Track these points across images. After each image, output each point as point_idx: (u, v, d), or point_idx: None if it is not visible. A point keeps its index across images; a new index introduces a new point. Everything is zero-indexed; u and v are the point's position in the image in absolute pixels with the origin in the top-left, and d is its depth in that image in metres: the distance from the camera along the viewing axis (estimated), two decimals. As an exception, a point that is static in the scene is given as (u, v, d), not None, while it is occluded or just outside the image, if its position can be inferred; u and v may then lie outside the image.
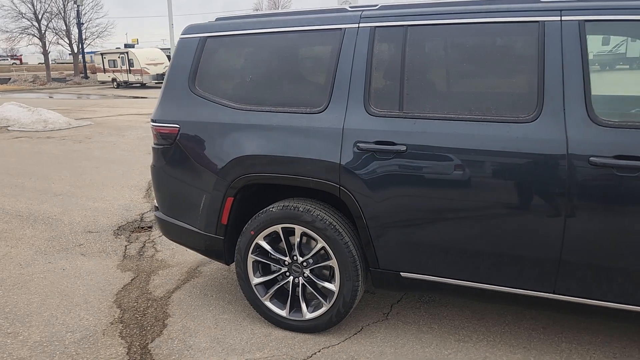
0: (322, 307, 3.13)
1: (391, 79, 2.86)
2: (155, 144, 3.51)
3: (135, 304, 3.68)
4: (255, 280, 3.27)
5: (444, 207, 2.72)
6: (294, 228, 3.09)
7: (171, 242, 4.75)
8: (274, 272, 3.25)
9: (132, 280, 4.09)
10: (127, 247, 4.83)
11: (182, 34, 3.47)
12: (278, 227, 3.12)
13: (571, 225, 2.52)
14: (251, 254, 3.23)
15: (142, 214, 5.81)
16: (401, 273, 2.94)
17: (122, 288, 3.94)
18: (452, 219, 2.71)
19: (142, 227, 5.40)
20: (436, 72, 2.88)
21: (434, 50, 2.88)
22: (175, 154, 3.38)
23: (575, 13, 2.55)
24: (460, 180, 2.67)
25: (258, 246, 3.22)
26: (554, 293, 2.66)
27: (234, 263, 3.37)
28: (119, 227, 5.41)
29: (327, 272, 3.18)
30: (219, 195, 3.23)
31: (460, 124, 2.67)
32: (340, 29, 2.99)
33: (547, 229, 2.56)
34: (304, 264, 3.14)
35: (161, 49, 37.15)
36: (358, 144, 2.85)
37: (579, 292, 2.61)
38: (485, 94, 2.73)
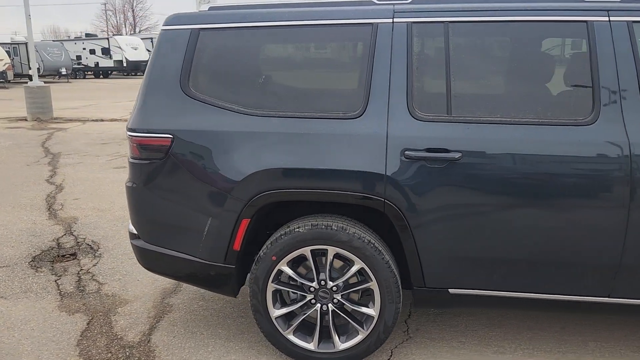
0: (358, 334, 2.79)
1: (435, 80, 2.62)
2: (134, 158, 2.88)
3: (110, 355, 3.00)
4: (276, 312, 2.82)
5: (502, 217, 2.55)
6: (325, 249, 2.71)
7: (114, 271, 4.07)
8: (298, 300, 2.84)
9: (88, 324, 3.35)
10: (58, 282, 3.99)
11: (165, 25, 2.88)
12: (307, 250, 2.72)
13: (633, 229, 2.49)
14: (272, 282, 2.78)
15: (57, 239, 4.89)
16: (449, 290, 2.72)
17: (81, 336, 3.20)
18: (511, 229, 2.55)
19: (64, 256, 4.53)
20: (485, 72, 2.69)
21: (482, 49, 2.68)
22: (167, 170, 2.80)
23: (622, 14, 2.53)
24: (520, 188, 2.52)
25: (280, 273, 2.78)
26: (609, 297, 2.63)
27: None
28: (34, 257, 4.47)
29: (356, 296, 2.85)
30: (231, 217, 2.72)
31: (518, 128, 2.52)
32: (372, 24, 2.67)
33: (609, 234, 2.51)
34: (334, 288, 2.77)
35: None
36: (406, 152, 2.57)
37: (634, 294, 2.60)
38: (541, 96, 2.60)
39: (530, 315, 3.35)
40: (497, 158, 2.52)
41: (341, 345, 2.80)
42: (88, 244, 4.77)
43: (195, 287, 3.81)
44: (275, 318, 2.83)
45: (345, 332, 2.84)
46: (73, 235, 5.01)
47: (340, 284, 2.77)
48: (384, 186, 2.59)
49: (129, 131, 2.86)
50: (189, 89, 2.78)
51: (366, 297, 2.84)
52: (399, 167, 2.57)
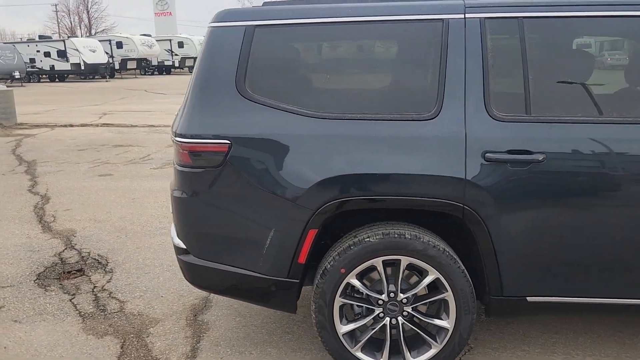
0: (431, 348, 2.64)
1: (513, 78, 2.50)
2: (184, 165, 2.64)
3: (158, 381, 2.75)
4: (344, 328, 2.64)
5: (588, 220, 2.45)
6: (397, 260, 2.55)
7: (132, 287, 3.79)
8: (365, 315, 2.66)
9: (122, 347, 3.08)
10: (74, 301, 3.68)
11: (214, 22, 2.65)
12: (378, 261, 2.55)
13: None
14: (339, 296, 2.59)
15: (59, 254, 4.54)
16: (527, 298, 2.60)
17: (118, 362, 2.93)
18: (599, 233, 2.45)
19: (70, 272, 4.20)
20: (564, 70, 2.58)
21: (560, 45, 2.58)
22: (224, 179, 2.57)
23: None
24: (608, 190, 2.42)
25: (348, 286, 2.60)
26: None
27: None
28: (38, 275, 4.13)
29: (423, 308, 2.70)
30: (297, 228, 2.53)
31: (605, 127, 2.42)
32: (441, 19, 2.53)
33: None
34: (404, 300, 2.61)
35: None
36: (487, 155, 2.43)
37: None
38: (628, 94, 2.51)
39: (583, 320, 3.27)
40: (583, 159, 2.41)
41: (412, 360, 2.64)
42: (94, 259, 4.44)
43: (228, 302, 3.58)
44: (343, 335, 2.64)
45: (414, 346, 2.68)
46: (75, 249, 4.67)
47: (410, 296, 2.61)
48: (463, 191, 2.45)
49: (179, 137, 2.62)
50: (246, 91, 2.57)
51: (433, 308, 2.70)
52: (479, 171, 2.44)
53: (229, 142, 2.54)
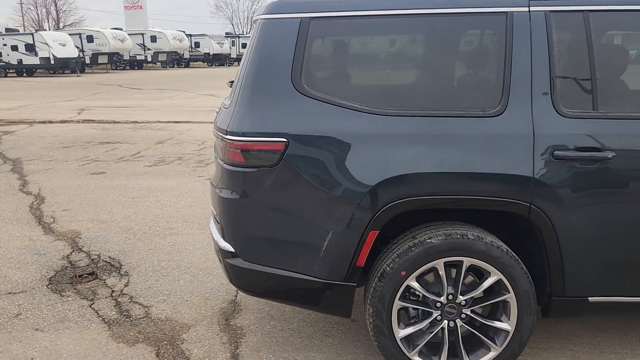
0: (491, 351, 2.57)
1: (579, 73, 2.44)
2: (235, 165, 2.51)
3: (204, 391, 2.61)
4: (401, 332, 2.55)
5: None
6: (459, 261, 2.47)
7: (153, 291, 3.64)
8: (422, 318, 2.58)
9: (158, 356, 2.92)
10: (94, 307, 3.50)
11: (267, 13, 2.52)
12: (440, 262, 2.47)
13: None
14: (398, 300, 2.50)
15: (67, 257, 4.33)
16: (589, 298, 2.56)
17: (157, 371, 2.78)
18: None
19: (81, 276, 4.00)
20: (631, 64, 2.54)
21: (628, 40, 2.53)
22: (279, 179, 2.45)
23: None
24: None
25: (408, 289, 2.51)
26: None
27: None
28: (50, 280, 3.92)
29: (480, 310, 2.63)
30: (357, 230, 2.43)
31: None
32: (505, 12, 2.45)
33: None
34: (462, 302, 2.54)
35: None
36: (555, 152, 2.37)
37: None
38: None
39: (622, 318, 3.25)
40: None
41: (471, 364, 2.57)
42: (106, 261, 4.25)
43: (258, 306, 3.46)
44: (400, 339, 2.55)
45: (472, 349, 2.61)
46: (83, 251, 4.46)
47: (469, 298, 2.54)
48: (530, 190, 2.38)
49: (230, 135, 2.49)
50: (303, 86, 2.45)
51: (487, 310, 2.63)
52: (547, 169, 2.38)
53: (285, 140, 2.42)
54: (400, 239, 2.56)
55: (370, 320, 2.54)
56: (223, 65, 49.71)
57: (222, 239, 2.67)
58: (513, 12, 2.45)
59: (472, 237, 2.44)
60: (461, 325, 2.57)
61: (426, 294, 2.52)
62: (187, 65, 47.61)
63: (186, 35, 46.01)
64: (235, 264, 2.61)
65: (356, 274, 2.50)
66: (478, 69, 2.55)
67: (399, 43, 2.56)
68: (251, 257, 2.58)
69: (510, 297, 2.50)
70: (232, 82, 3.15)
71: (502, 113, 2.40)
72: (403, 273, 2.46)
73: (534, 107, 2.40)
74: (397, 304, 2.51)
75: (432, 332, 2.57)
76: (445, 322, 2.56)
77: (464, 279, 2.54)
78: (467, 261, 2.46)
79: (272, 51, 2.49)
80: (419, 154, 2.39)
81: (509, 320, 2.54)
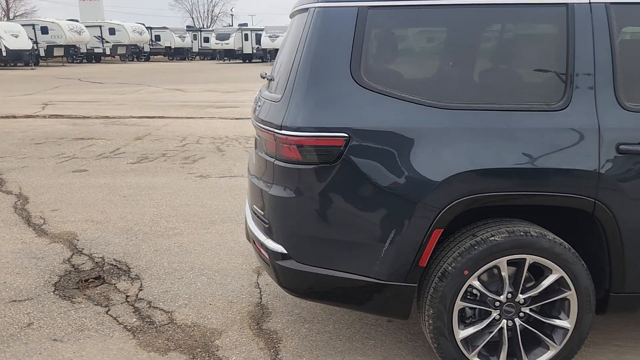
0: (550, 350, 2.53)
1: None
2: (290, 162, 2.37)
3: (254, 401, 2.47)
4: (462, 333, 2.47)
5: None
6: (522, 259, 2.41)
7: (172, 295, 3.46)
8: (481, 317, 2.51)
9: (195, 366, 2.76)
10: (111, 314, 3.29)
11: (322, 2, 2.39)
12: (503, 261, 2.40)
13: None
14: (460, 300, 2.43)
15: (68, 260, 4.08)
16: (647, 293, 2.54)
17: (198, 382, 2.62)
18: None
19: (87, 280, 3.77)
20: None
21: None
22: (339, 176, 2.33)
23: None
24: None
25: (469, 289, 2.44)
26: None
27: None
28: (55, 285, 3.68)
29: (537, 308, 2.58)
30: (421, 228, 2.33)
31: None
32: (565, 4, 2.40)
33: None
34: (521, 301, 2.49)
35: None
36: (620, 147, 2.34)
37: None
38: None
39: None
40: None
41: (530, 363, 2.52)
42: (112, 264, 4.02)
43: (287, 308, 3.33)
44: (460, 340, 2.48)
45: (529, 348, 2.56)
46: (84, 254, 4.21)
47: (529, 296, 2.48)
48: (596, 185, 2.34)
49: (285, 130, 2.35)
50: (362, 78, 2.33)
51: (545, 307, 2.59)
52: (613, 164, 2.34)
53: (346, 135, 2.30)
54: (458, 237, 2.48)
55: (430, 322, 2.45)
56: (185, 59, 48.73)
57: (270, 240, 2.53)
58: (573, 3, 2.40)
59: (536, 234, 2.38)
60: (520, 324, 2.51)
61: (487, 293, 2.45)
62: (147, 59, 46.43)
63: (146, 28, 44.84)
64: (287, 266, 2.48)
65: (418, 274, 2.41)
66: (541, 62, 2.48)
67: (459, 34, 2.46)
68: (305, 258, 2.45)
69: (571, 294, 2.46)
70: (267, 74, 3.00)
71: (566, 107, 2.35)
72: (466, 272, 2.38)
73: (598, 100, 2.35)
74: (459, 304, 2.43)
75: (492, 332, 2.50)
76: (504, 321, 2.50)
77: (516, 276, 2.48)
78: (529, 259, 2.41)
79: (328, 42, 2.36)
80: (484, 149, 2.32)
81: (568, 317, 2.50)
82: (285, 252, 2.47)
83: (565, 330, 2.51)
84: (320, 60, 2.35)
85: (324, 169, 2.33)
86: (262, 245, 2.59)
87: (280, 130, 2.37)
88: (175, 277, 3.80)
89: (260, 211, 2.62)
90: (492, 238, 2.38)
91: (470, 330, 2.49)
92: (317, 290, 2.53)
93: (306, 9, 2.49)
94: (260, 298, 3.48)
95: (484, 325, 2.50)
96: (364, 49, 2.34)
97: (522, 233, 2.38)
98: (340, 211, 2.37)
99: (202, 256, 4.15)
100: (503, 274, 2.43)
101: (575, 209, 2.43)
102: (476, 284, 2.42)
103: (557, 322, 2.51)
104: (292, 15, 2.92)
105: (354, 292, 2.47)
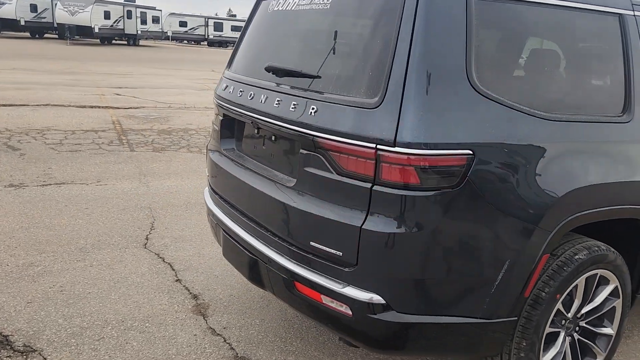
0: (597, 358, 2.54)
1: None
2: (403, 187, 1.82)
3: None
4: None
5: None
6: (595, 274, 2.35)
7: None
8: (555, 339, 2.37)
9: None
10: None
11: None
12: (582, 279, 2.30)
13: None
14: (549, 326, 2.24)
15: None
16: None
17: None
18: None
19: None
20: None
21: None
22: (461, 203, 1.88)
23: None
24: None
25: (557, 313, 2.27)
26: None
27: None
28: None
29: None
30: (533, 254, 2.05)
31: None
32: (616, 14, 2.37)
33: None
34: (579, 315, 2.44)
35: None
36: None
37: None
38: None
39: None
40: None
41: (586, 374, 2.50)
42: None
43: (274, 355, 2.69)
44: (544, 367, 2.31)
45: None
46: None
47: (589, 310, 2.44)
48: (650, 193, 2.39)
49: (400, 147, 1.79)
50: (476, 83, 1.92)
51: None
52: None
53: (470, 152, 1.86)
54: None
55: (522, 355, 2.21)
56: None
57: (352, 288, 1.94)
58: (625, 14, 2.39)
59: (605, 248, 2.34)
60: (578, 339, 2.46)
61: (566, 314, 2.32)
62: None
63: None
64: (386, 319, 1.92)
65: (520, 306, 2.13)
66: (603, 71, 2.40)
67: (546, 34, 2.23)
68: (408, 307, 1.94)
69: (618, 302, 2.50)
70: (271, 67, 2.31)
71: (630, 121, 2.33)
72: (558, 296, 2.20)
73: None
74: (547, 331, 2.25)
75: (561, 351, 2.39)
76: (567, 338, 2.42)
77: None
78: (600, 273, 2.36)
79: (441, 36, 1.87)
80: (591, 163, 2.16)
81: (611, 324, 2.54)
82: (384, 302, 1.91)
83: (609, 336, 2.54)
84: (436, 59, 1.85)
85: (444, 195, 1.85)
86: (335, 295, 1.97)
87: (394, 147, 1.80)
88: (92, 338, 2.74)
89: (329, 250, 1.99)
90: (577, 257, 2.24)
91: (551, 354, 2.33)
92: (419, 344, 2.04)
93: None
94: (232, 349, 2.75)
95: (559, 346, 2.37)
96: (475, 48, 1.93)
97: (596, 248, 2.30)
98: (458, 244, 1.93)
99: (108, 301, 3.10)
100: (579, 291, 2.33)
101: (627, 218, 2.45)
102: (560, 307, 2.27)
103: (604, 330, 2.53)
104: None
105: (459, 338, 2.07)
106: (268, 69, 2.35)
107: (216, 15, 63.38)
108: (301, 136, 2.09)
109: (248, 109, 2.45)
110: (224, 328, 2.91)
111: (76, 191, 5.00)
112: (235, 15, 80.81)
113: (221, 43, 49.27)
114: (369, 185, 1.87)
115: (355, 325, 1.99)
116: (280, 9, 2.54)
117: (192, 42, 51.37)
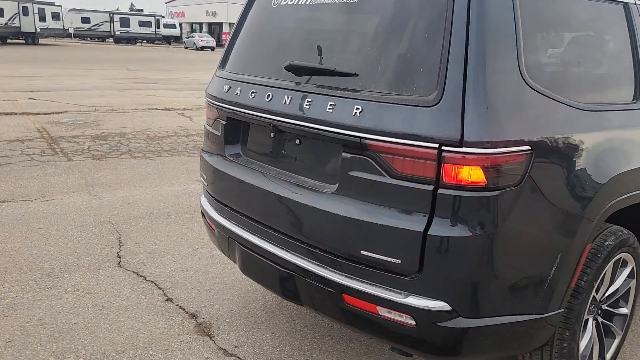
0: (616, 337, 2.62)
1: None
2: (471, 189, 1.75)
3: None
4: (581, 348, 2.33)
5: None
6: (620, 258, 2.41)
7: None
8: (586, 324, 2.40)
9: None
10: None
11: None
12: (611, 264, 2.34)
13: None
14: (586, 315, 2.27)
15: None
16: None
17: None
18: None
19: None
20: None
21: None
22: (522, 201, 1.83)
23: None
24: None
25: (593, 300, 2.30)
26: None
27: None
28: None
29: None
30: (580, 245, 2.06)
31: None
32: (621, 2, 2.43)
33: None
34: (602, 299, 2.50)
35: None
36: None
37: None
38: None
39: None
40: None
41: (608, 355, 2.57)
42: None
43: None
44: (581, 356, 2.34)
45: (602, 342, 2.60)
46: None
47: (611, 293, 2.51)
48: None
49: (467, 146, 1.71)
50: (527, 78, 1.87)
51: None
52: None
53: (529, 148, 1.82)
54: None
55: (565, 345, 2.22)
56: None
57: (416, 297, 1.85)
58: (628, 3, 2.45)
59: (626, 232, 2.40)
60: (601, 321, 2.52)
61: (597, 300, 2.37)
62: None
63: None
64: (451, 326, 1.84)
65: (568, 298, 2.13)
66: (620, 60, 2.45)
67: (576, 24, 2.22)
68: (471, 311, 1.87)
69: (633, 282, 2.59)
70: (294, 66, 2.16)
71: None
72: (594, 283, 2.24)
73: None
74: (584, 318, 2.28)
75: (592, 336, 2.44)
76: (593, 322, 2.47)
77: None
78: (623, 257, 2.42)
79: (496, 29, 1.81)
80: (623, 150, 2.20)
81: (626, 304, 2.62)
82: (450, 308, 1.84)
83: (625, 316, 2.63)
84: (490, 53, 1.78)
85: (509, 193, 1.80)
86: (394, 305, 1.87)
87: (460, 147, 1.71)
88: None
89: (384, 258, 1.88)
90: (607, 243, 2.28)
91: (585, 342, 2.36)
92: (486, 347, 1.97)
93: None
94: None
95: (590, 332, 2.41)
96: (524, 39, 1.88)
97: (620, 233, 2.36)
98: (521, 242, 1.89)
99: (99, 331, 2.81)
100: (607, 276, 2.38)
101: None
102: (594, 294, 2.31)
103: (621, 310, 2.61)
104: None
105: (515, 336, 2.03)
106: (289, 68, 2.18)
107: (118, 10, 60.63)
108: (344, 139, 1.96)
109: (266, 111, 2.27)
110: (236, 347, 2.73)
111: (21, 209, 4.52)
112: (142, 10, 77.61)
113: (129, 40, 47.16)
114: (430, 187, 1.78)
115: (417, 335, 1.90)
116: (289, 3, 2.37)
117: (97, 40, 48.79)
